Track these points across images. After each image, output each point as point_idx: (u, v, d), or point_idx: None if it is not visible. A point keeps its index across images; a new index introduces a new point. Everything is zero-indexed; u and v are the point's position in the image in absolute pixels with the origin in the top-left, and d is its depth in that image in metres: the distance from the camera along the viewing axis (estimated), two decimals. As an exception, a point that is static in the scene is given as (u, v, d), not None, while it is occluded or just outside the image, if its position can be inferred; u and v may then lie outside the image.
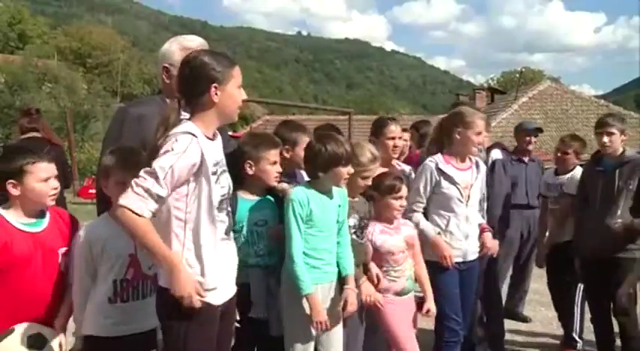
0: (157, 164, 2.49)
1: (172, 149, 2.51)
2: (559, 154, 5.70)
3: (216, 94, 2.64)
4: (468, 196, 4.30)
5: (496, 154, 5.86)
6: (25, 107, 6.43)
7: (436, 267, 4.20)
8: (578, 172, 5.43)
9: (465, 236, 4.29)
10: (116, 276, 2.95)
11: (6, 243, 2.75)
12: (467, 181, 4.31)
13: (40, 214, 2.92)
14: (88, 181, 24.00)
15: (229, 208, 2.78)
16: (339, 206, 3.57)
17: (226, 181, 2.75)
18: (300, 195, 3.44)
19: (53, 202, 2.93)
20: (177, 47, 3.36)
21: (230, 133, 4.41)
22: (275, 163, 3.58)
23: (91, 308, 2.95)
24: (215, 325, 2.69)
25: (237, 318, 3.07)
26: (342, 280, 3.58)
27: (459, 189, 4.26)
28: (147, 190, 2.47)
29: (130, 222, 2.46)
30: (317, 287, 3.43)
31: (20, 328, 2.73)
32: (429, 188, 4.29)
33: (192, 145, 2.54)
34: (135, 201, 2.46)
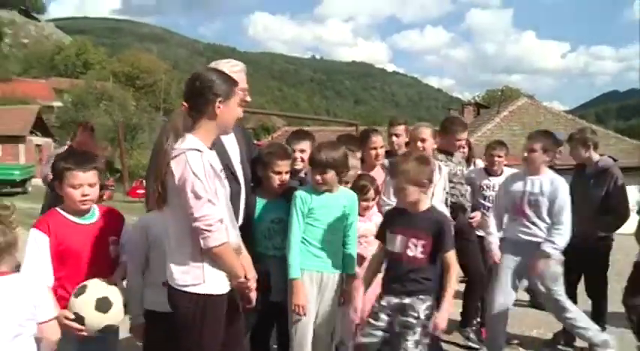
0: (202, 192, 2.46)
1: (196, 172, 2.47)
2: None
3: (219, 107, 2.61)
4: (432, 193, 4.35)
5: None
6: (83, 122, 6.52)
7: None
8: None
9: None
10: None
11: (63, 234, 2.76)
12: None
13: (90, 210, 2.91)
14: (136, 183, 24.12)
15: (232, 209, 2.77)
16: (344, 206, 3.54)
17: (227, 184, 2.77)
18: (302, 192, 3.47)
19: (85, 207, 2.85)
20: (225, 68, 3.23)
21: (255, 141, 4.42)
22: (279, 172, 3.49)
23: (150, 288, 2.98)
24: (222, 310, 2.64)
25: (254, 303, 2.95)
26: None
27: None
28: (219, 221, 2.50)
29: (227, 251, 2.56)
30: (311, 275, 3.42)
31: (92, 288, 2.71)
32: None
33: (204, 161, 2.51)
34: (220, 235, 2.50)
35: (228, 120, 2.68)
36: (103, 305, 2.69)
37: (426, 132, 4.53)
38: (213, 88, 2.60)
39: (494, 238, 4.58)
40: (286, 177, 3.53)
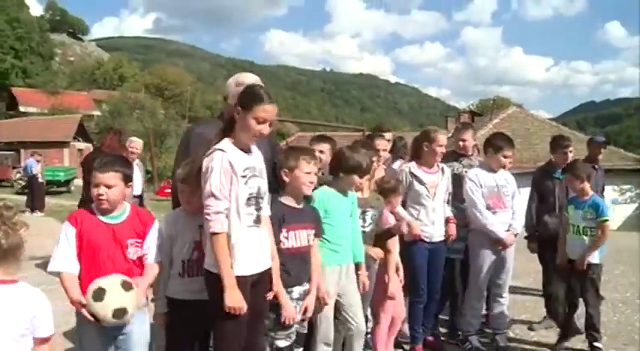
0: (209, 187, 2.60)
1: (213, 168, 2.61)
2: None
3: (236, 116, 2.72)
4: (434, 193, 4.36)
5: None
6: (113, 128, 6.54)
7: (410, 246, 4.28)
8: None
9: (431, 223, 4.37)
10: (184, 257, 2.97)
11: (87, 230, 2.72)
12: (433, 181, 4.40)
13: (121, 210, 2.84)
14: (164, 183, 24.21)
15: (259, 205, 2.77)
16: (352, 203, 3.56)
17: (256, 183, 2.74)
18: (321, 195, 3.45)
19: (102, 206, 2.76)
20: (233, 82, 3.35)
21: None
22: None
23: (171, 279, 3.00)
24: (246, 290, 2.67)
25: (276, 289, 2.96)
26: (356, 266, 3.58)
27: (426, 187, 4.35)
28: (216, 212, 2.59)
29: (218, 241, 2.60)
30: (332, 269, 3.42)
31: (110, 295, 2.62)
32: (405, 186, 4.37)
33: (223, 159, 2.63)
34: (215, 224, 2.60)
35: (252, 128, 2.70)
36: (119, 314, 2.63)
37: (445, 139, 4.46)
38: (242, 96, 2.74)
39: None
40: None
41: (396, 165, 5.02)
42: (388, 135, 5.05)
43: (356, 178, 3.46)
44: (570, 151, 5.18)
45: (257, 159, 2.83)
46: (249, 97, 2.72)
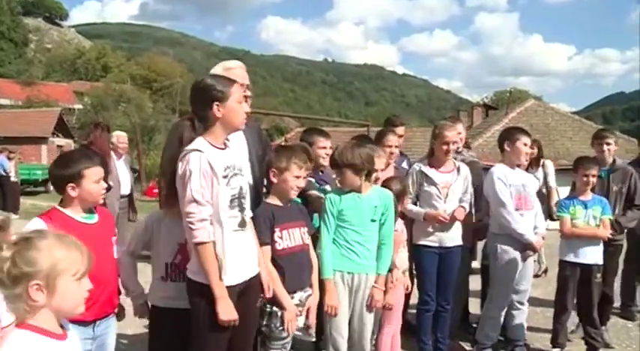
0: (190, 192, 2.58)
1: (192, 171, 2.58)
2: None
3: (218, 110, 2.67)
4: (447, 194, 4.31)
5: None
6: (98, 122, 6.46)
7: (420, 250, 4.27)
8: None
9: (441, 227, 4.34)
10: (167, 259, 2.99)
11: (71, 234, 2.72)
12: (447, 181, 4.37)
13: (91, 210, 2.86)
14: (152, 183, 24.22)
15: (242, 206, 2.77)
16: (375, 207, 3.52)
17: (237, 182, 2.74)
18: (332, 195, 3.47)
19: (102, 201, 2.86)
20: (221, 69, 3.37)
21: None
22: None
23: (152, 284, 3.04)
24: (233, 300, 2.67)
25: (268, 296, 3.01)
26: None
27: (437, 188, 4.32)
28: (201, 220, 2.58)
29: (205, 251, 2.57)
30: (342, 275, 3.42)
31: None
32: (415, 186, 4.40)
33: (202, 161, 2.60)
34: (199, 234, 2.57)
35: (233, 119, 2.74)
36: None
37: (454, 134, 4.45)
38: (208, 93, 2.68)
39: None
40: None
41: (405, 164, 5.02)
42: (400, 129, 5.02)
43: (350, 174, 3.44)
44: (608, 145, 5.14)
45: (235, 154, 2.83)
46: (222, 84, 2.72)
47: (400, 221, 4.03)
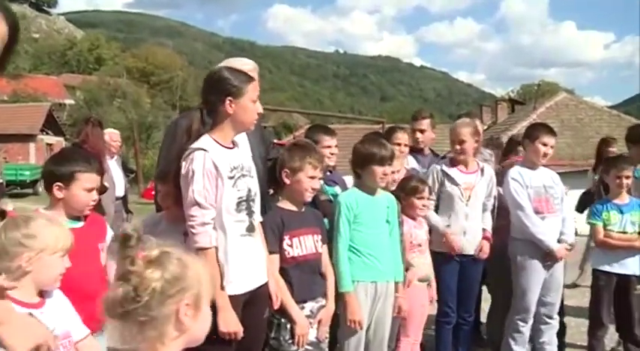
0: (192, 194, 2.58)
1: (195, 171, 2.59)
2: None
3: (230, 106, 2.67)
4: (469, 197, 4.32)
5: None
6: (90, 118, 6.42)
7: (440, 258, 4.29)
8: None
9: (462, 232, 4.35)
10: None
11: None
12: (470, 182, 4.38)
13: (79, 218, 2.77)
14: (151, 184, 24.35)
15: (251, 209, 2.78)
16: (388, 207, 3.54)
17: (245, 184, 2.74)
18: (347, 198, 3.44)
19: (89, 213, 2.76)
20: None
21: (275, 140, 4.41)
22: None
23: None
24: (237, 311, 2.68)
25: (276, 306, 3.00)
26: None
27: (460, 189, 4.32)
28: (202, 224, 2.59)
29: (206, 257, 2.55)
30: (365, 287, 3.41)
31: None
32: (435, 187, 4.38)
33: (206, 161, 2.61)
34: (201, 238, 2.59)
35: (244, 118, 2.75)
36: None
37: (465, 131, 4.40)
38: (223, 86, 2.69)
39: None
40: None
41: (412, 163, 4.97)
42: (424, 123, 5.00)
43: (376, 168, 3.44)
44: None
45: (243, 154, 2.83)
46: (239, 80, 2.74)
47: (410, 222, 4.01)
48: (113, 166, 6.98)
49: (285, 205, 3.24)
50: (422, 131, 4.99)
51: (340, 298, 3.39)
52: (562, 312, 4.86)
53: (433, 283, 4.15)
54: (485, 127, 24.28)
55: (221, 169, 2.65)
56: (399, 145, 4.50)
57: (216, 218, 2.65)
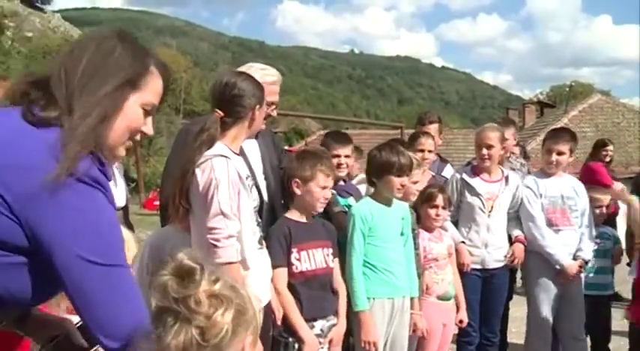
0: (218, 204, 2.54)
1: (219, 180, 2.56)
2: None
3: (256, 113, 2.76)
4: (492, 207, 4.28)
5: None
6: None
7: (459, 273, 4.26)
8: None
9: (484, 245, 4.34)
10: None
11: None
12: (492, 192, 4.35)
13: None
14: (152, 194, 24.43)
15: (259, 219, 2.82)
16: (402, 219, 3.54)
17: (256, 194, 2.82)
18: (362, 210, 3.42)
19: None
20: (259, 75, 3.20)
21: (286, 147, 4.42)
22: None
23: None
24: None
25: (278, 322, 3.03)
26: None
27: (481, 200, 4.30)
28: (228, 237, 2.56)
29: (233, 272, 2.49)
30: (382, 303, 3.40)
31: None
32: (455, 197, 4.38)
33: (229, 168, 2.60)
34: (226, 252, 2.54)
35: (260, 124, 2.86)
36: None
37: (492, 136, 4.39)
38: (252, 94, 2.75)
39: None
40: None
41: (448, 172, 4.97)
42: (434, 128, 4.98)
43: (393, 178, 3.42)
44: None
45: (252, 161, 2.94)
46: (260, 88, 2.83)
47: (425, 235, 3.98)
48: (117, 176, 7.01)
49: (293, 215, 3.24)
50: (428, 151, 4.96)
51: (354, 316, 3.37)
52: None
53: (462, 303, 4.11)
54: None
55: (243, 177, 2.68)
56: (422, 151, 4.50)
57: (241, 232, 2.66)
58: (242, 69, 3.31)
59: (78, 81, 1.47)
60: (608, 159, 7.49)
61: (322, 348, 3.18)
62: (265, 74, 3.24)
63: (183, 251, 1.36)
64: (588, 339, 4.80)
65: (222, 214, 2.55)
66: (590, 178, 6.36)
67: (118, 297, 1.41)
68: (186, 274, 1.28)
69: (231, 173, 2.60)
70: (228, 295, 1.30)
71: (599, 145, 7.60)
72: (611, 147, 7.64)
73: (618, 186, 6.56)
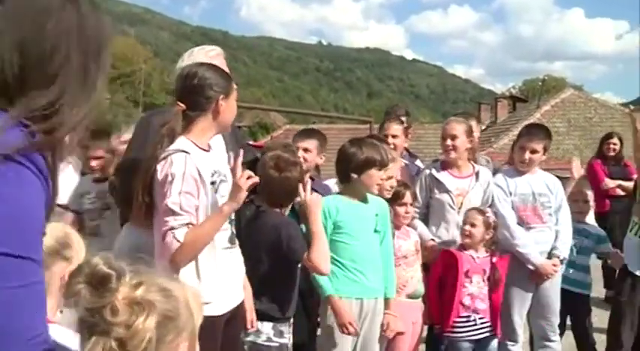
0: (168, 199, 2.54)
1: (174, 175, 2.54)
2: None
3: (221, 104, 2.70)
4: (461, 204, 4.32)
5: None
6: None
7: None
8: None
9: (454, 243, 4.34)
10: None
11: None
12: (462, 188, 4.38)
13: None
14: (110, 191, 24.22)
15: (232, 217, 2.78)
16: (377, 215, 3.55)
17: (226, 190, 2.75)
18: (327, 204, 3.43)
19: None
20: (203, 55, 3.33)
21: (251, 142, 4.41)
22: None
23: None
24: (217, 335, 2.68)
25: (252, 326, 3.03)
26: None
27: (451, 196, 4.33)
28: (180, 225, 2.53)
29: (192, 239, 2.54)
30: (350, 303, 3.41)
31: None
32: (424, 194, 4.40)
33: (187, 164, 2.58)
34: (181, 233, 2.52)
35: (229, 118, 2.80)
36: None
37: (457, 127, 4.42)
38: (215, 84, 2.71)
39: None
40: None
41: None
42: (398, 129, 5.01)
43: (375, 172, 3.46)
44: None
45: (218, 158, 2.85)
46: (225, 78, 2.78)
47: (394, 233, 4.02)
48: (69, 172, 6.90)
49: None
50: (394, 136, 4.99)
51: (322, 304, 3.41)
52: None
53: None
54: (484, 127, 24.41)
55: (203, 174, 2.64)
56: (393, 136, 4.52)
57: None
58: (184, 57, 3.37)
59: None
60: (612, 153, 7.42)
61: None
62: (207, 51, 3.34)
63: (100, 255, 1.27)
64: (571, 338, 4.91)
65: (170, 209, 2.54)
66: (589, 177, 6.46)
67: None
68: (100, 281, 1.21)
69: (188, 168, 2.57)
70: (152, 300, 1.24)
71: (602, 139, 7.59)
72: (614, 139, 7.52)
73: (609, 184, 6.69)
